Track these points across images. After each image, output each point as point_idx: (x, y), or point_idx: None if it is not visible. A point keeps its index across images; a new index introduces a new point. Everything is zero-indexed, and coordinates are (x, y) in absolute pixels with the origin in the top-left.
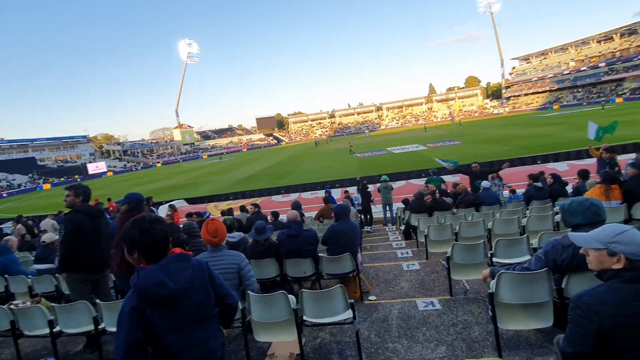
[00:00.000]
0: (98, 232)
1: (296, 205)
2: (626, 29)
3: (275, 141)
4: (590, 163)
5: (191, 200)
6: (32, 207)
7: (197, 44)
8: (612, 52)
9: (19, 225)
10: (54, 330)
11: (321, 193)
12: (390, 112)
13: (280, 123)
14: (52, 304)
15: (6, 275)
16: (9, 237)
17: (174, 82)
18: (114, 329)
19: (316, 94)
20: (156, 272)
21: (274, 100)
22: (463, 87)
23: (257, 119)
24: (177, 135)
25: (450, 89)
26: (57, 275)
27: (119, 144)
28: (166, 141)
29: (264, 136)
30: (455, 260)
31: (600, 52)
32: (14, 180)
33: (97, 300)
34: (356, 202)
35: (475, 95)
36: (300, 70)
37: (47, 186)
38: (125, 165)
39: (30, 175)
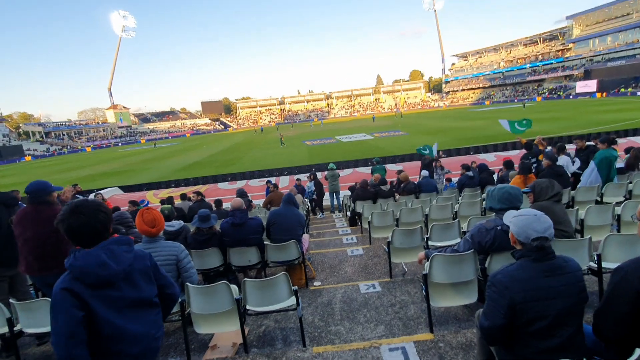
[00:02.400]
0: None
1: (241, 193)
2: (548, 35)
3: (222, 127)
4: (514, 154)
5: (127, 188)
6: None
7: (134, 17)
8: (536, 54)
9: None
10: None
11: (270, 180)
12: (339, 101)
13: (228, 108)
14: None
15: None
16: None
17: (105, 58)
18: (32, 330)
19: (265, 79)
20: (98, 252)
21: (221, 83)
22: (408, 80)
23: (202, 102)
24: (110, 117)
25: (396, 81)
26: None
27: (40, 124)
28: (98, 123)
29: (210, 121)
30: (395, 244)
31: (526, 54)
32: None
33: (12, 300)
34: (309, 190)
35: (418, 88)
36: (250, 54)
37: None
38: (48, 148)
39: None
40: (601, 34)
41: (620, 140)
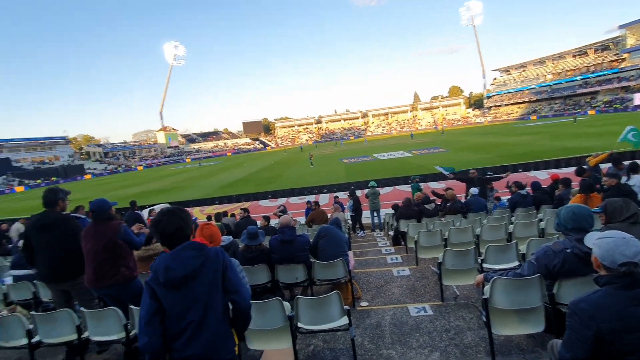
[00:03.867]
0: (51, 242)
1: (283, 210)
2: (600, 45)
3: (262, 145)
4: (568, 172)
5: (175, 205)
6: (3, 211)
7: (184, 46)
8: (587, 66)
9: None
10: (33, 340)
11: (309, 198)
12: (376, 119)
13: (267, 127)
14: (31, 312)
15: None
16: None
17: (158, 84)
18: (98, 338)
19: (303, 99)
20: (166, 257)
21: (261, 104)
22: (447, 96)
23: (243, 123)
24: (160, 138)
25: (434, 98)
26: (35, 281)
27: (99, 145)
28: (149, 144)
29: (250, 140)
30: (447, 266)
31: (575, 66)
32: None
33: (82, 308)
34: (350, 207)
35: (458, 104)
36: (288, 75)
37: (19, 188)
38: (106, 167)
39: (4, 177)
40: None
41: None
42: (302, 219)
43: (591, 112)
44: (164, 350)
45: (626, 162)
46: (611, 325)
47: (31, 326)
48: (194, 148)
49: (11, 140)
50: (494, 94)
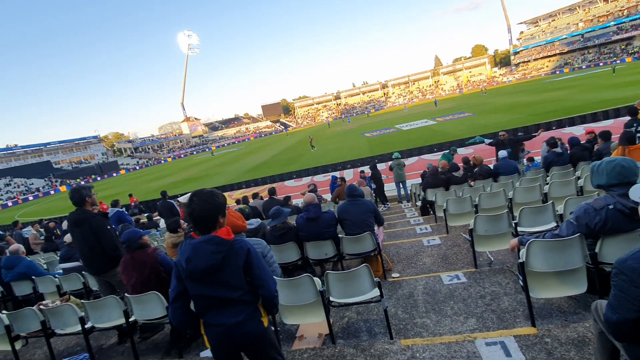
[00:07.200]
0: (84, 237)
1: (313, 189)
2: None
3: (283, 127)
4: (608, 124)
5: None
6: (51, 210)
7: (197, 34)
8: (620, 10)
9: (32, 231)
10: (86, 326)
11: (334, 174)
12: (396, 89)
13: (286, 108)
14: (82, 301)
15: (33, 277)
16: (13, 246)
17: (177, 75)
18: (145, 320)
19: (321, 76)
20: (188, 248)
21: (279, 85)
22: (470, 57)
23: (262, 106)
24: (185, 129)
25: (456, 60)
26: (83, 272)
27: (129, 141)
28: (175, 135)
29: (270, 123)
30: (479, 232)
31: (608, 11)
32: (32, 184)
33: (126, 294)
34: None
35: (483, 64)
36: (304, 53)
37: (63, 188)
38: (137, 162)
39: (46, 178)
40: None
41: None
42: (328, 196)
43: (628, 59)
44: (191, 322)
45: None
46: None
47: (83, 314)
48: (217, 136)
49: (49, 143)
50: (521, 49)
